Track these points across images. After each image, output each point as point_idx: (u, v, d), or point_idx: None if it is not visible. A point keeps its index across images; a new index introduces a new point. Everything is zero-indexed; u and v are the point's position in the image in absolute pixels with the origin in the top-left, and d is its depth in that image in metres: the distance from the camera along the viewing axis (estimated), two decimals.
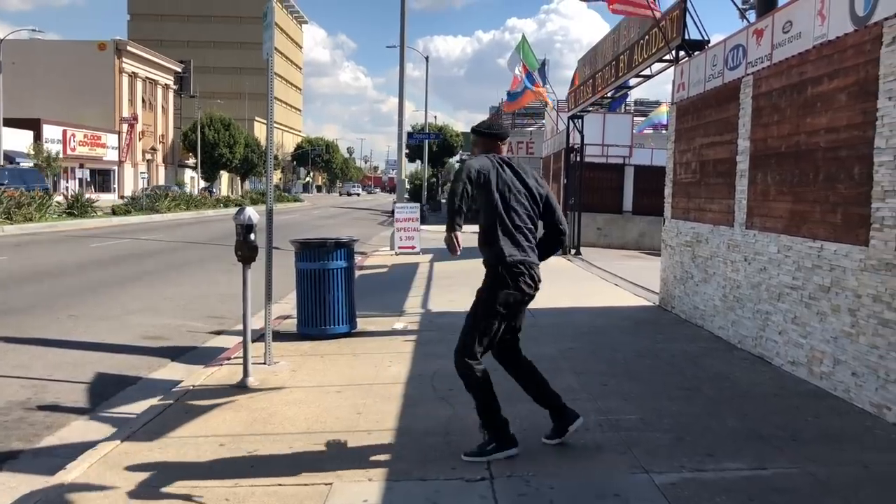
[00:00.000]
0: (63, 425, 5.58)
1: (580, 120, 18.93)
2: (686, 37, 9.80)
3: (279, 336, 7.81)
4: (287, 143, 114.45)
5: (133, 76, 60.33)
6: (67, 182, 47.82)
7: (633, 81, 13.99)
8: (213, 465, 4.37)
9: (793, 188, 6.54)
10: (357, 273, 10.46)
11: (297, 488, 4.02)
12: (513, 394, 5.79)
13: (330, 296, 7.84)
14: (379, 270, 15.67)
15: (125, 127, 57.84)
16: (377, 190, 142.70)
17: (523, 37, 21.34)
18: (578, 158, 19.16)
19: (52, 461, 4.69)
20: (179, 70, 66.91)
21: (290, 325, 8.46)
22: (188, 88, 66.49)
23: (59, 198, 34.39)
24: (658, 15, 10.58)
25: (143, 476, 4.20)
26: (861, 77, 5.51)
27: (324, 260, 7.83)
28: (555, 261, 17.75)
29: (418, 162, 59.80)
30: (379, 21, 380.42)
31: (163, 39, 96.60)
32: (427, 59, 49.14)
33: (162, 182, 61.69)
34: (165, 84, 66.38)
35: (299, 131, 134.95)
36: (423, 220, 24.62)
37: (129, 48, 59.26)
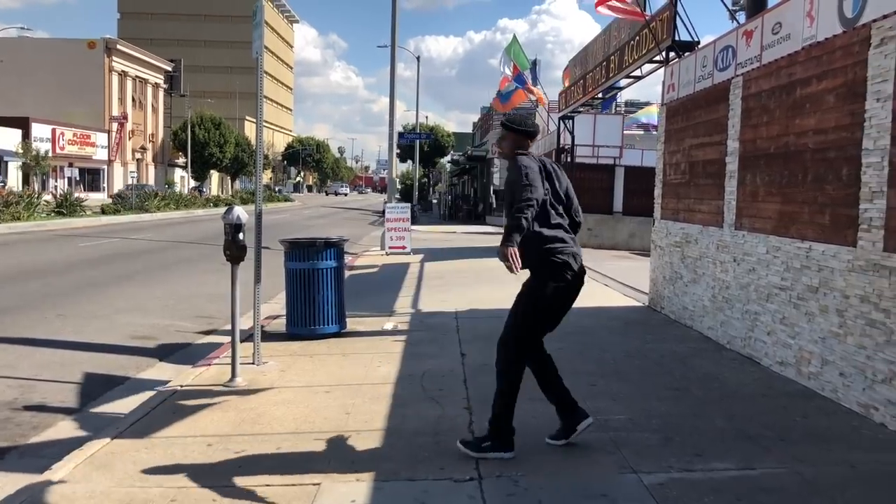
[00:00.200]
0: (50, 425, 5.55)
1: (571, 121, 18.97)
2: (676, 38, 9.84)
3: (268, 336, 7.78)
4: (277, 142, 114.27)
5: (123, 75, 60.07)
6: (56, 181, 47.56)
7: (623, 82, 14.03)
8: (201, 465, 4.34)
9: (781, 189, 6.56)
10: (347, 273, 10.44)
11: (285, 488, 4.00)
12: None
13: (319, 296, 7.82)
14: (369, 270, 15.65)
15: (115, 126, 57.58)
16: (368, 190, 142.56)
17: (514, 37, 21.36)
18: (569, 159, 19.20)
19: (39, 461, 4.65)
20: (170, 69, 66.65)
21: (280, 325, 8.43)
22: (178, 87, 66.23)
23: (47, 197, 34.23)
24: (646, 18, 10.61)
25: (129, 476, 4.17)
26: (849, 78, 5.54)
27: (313, 260, 7.81)
28: None
29: (409, 162, 59.81)
30: (370, 21, 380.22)
31: (153, 38, 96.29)
32: (418, 59, 49.19)
33: (151, 181, 61.43)
34: (155, 83, 66.13)
35: (290, 131, 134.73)
36: (414, 221, 24.62)
37: (118, 47, 58.99)
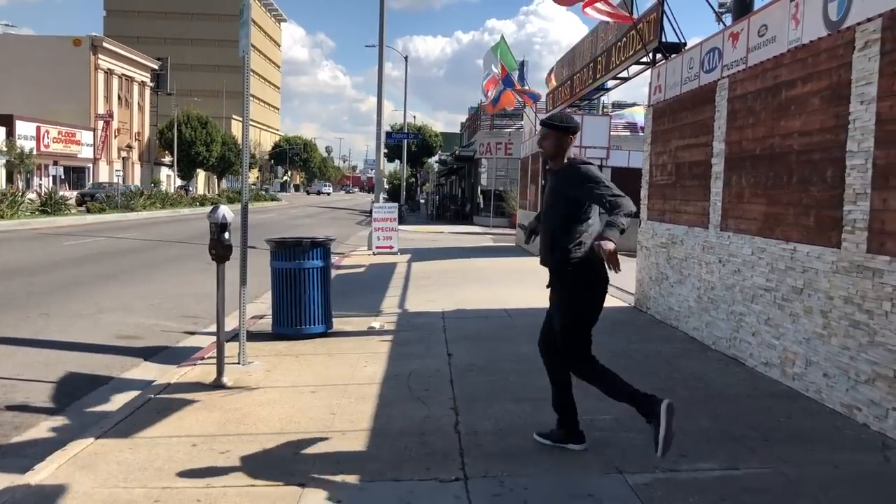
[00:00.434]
0: (32, 425, 5.50)
1: None
2: (663, 39, 9.87)
3: (254, 336, 7.75)
4: (265, 141, 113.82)
5: (109, 73, 59.65)
6: (41, 179, 47.18)
7: (610, 83, 14.06)
8: (185, 465, 4.32)
9: (767, 190, 6.59)
10: (334, 273, 10.42)
11: (270, 489, 3.99)
12: (490, 394, 5.81)
13: (306, 295, 7.80)
14: (356, 270, 15.62)
15: (100, 124, 57.15)
16: (356, 189, 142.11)
17: (502, 37, 21.35)
18: None
19: (21, 461, 4.61)
20: (156, 67, 66.23)
21: (266, 325, 8.40)
22: (165, 86, 65.81)
23: (32, 195, 33.95)
24: (633, 20, 10.64)
25: (113, 476, 4.14)
26: (834, 81, 5.57)
27: (299, 259, 7.79)
28: (532, 262, 17.79)
29: (397, 162, 59.73)
30: (358, 20, 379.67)
31: (139, 36, 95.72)
32: (406, 58, 49.19)
33: (137, 180, 61.05)
34: (142, 81, 65.69)
35: (277, 130, 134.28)
36: (402, 220, 24.59)
37: (104, 44, 58.55)
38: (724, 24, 9.72)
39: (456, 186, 56.22)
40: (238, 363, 6.63)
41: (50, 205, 30.44)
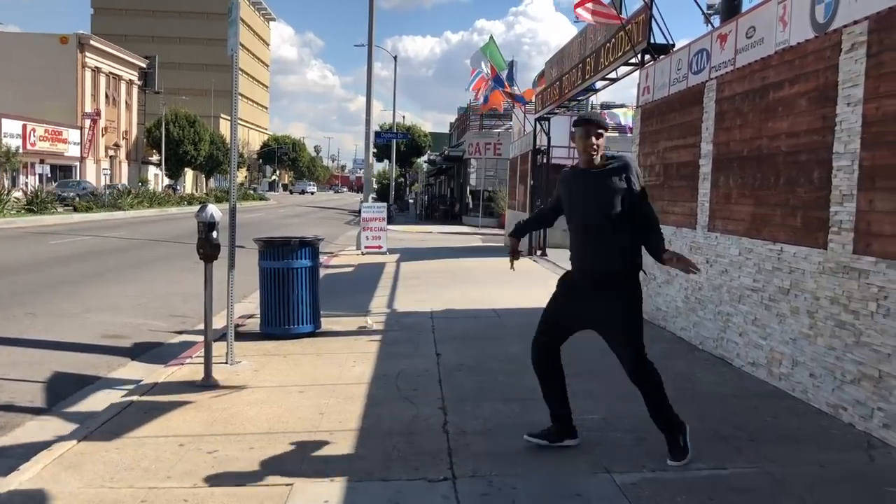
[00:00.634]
0: (17, 425, 5.46)
1: (547, 122, 19.02)
2: (651, 41, 9.88)
3: (242, 335, 7.73)
4: (253, 140, 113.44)
5: (96, 71, 59.28)
6: (27, 177, 46.84)
7: (599, 84, 14.07)
8: (173, 465, 4.30)
9: (754, 191, 6.63)
10: (322, 273, 10.39)
11: (258, 489, 3.98)
12: (479, 394, 5.81)
13: (294, 295, 7.78)
14: (345, 270, 15.60)
15: (87, 122, 56.79)
16: (344, 189, 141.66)
17: (491, 38, 21.35)
18: (545, 160, 19.24)
19: (6, 462, 4.57)
20: (144, 66, 65.84)
21: (254, 325, 8.38)
22: (153, 84, 65.42)
23: (17, 193, 33.71)
24: (622, 21, 10.67)
25: (99, 477, 4.12)
26: (821, 83, 5.61)
27: (288, 259, 7.77)
28: (520, 262, 17.79)
29: (386, 161, 59.66)
30: (347, 19, 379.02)
31: (127, 34, 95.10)
32: (395, 58, 49.13)
33: (125, 179, 60.71)
34: (130, 80, 65.31)
35: (265, 129, 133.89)
36: (391, 220, 24.57)
37: (92, 42, 58.18)
38: (713, 26, 9.76)
39: (445, 186, 56.23)
40: (226, 363, 6.61)
41: (36, 203, 30.24)
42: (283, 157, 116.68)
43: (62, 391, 6.33)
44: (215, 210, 6.15)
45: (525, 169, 20.63)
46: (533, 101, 20.51)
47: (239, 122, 6.79)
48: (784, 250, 6.02)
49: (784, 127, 6.13)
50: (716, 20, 11.56)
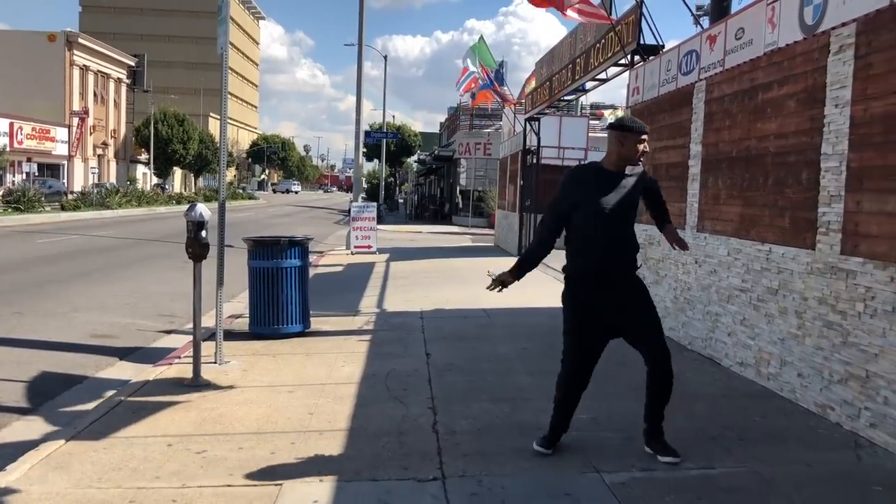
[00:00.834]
0: (4, 425, 5.42)
1: (537, 122, 19.05)
2: (641, 41, 9.90)
3: (231, 335, 7.70)
4: (242, 139, 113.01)
5: (84, 69, 58.94)
6: (14, 176, 46.51)
7: (588, 85, 14.09)
8: (161, 465, 4.28)
9: (743, 192, 6.65)
10: (312, 272, 10.38)
11: (247, 489, 3.96)
12: (468, 394, 5.81)
13: (283, 295, 7.76)
14: (334, 270, 15.57)
15: (75, 121, 56.46)
16: (334, 189, 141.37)
17: (481, 37, 21.38)
18: (535, 160, 19.26)
19: None
20: (133, 64, 65.51)
21: (243, 324, 8.35)
22: (142, 83, 65.09)
23: (3, 191, 33.45)
24: (612, 22, 10.69)
25: (87, 477, 4.09)
26: (809, 84, 5.64)
27: (277, 258, 7.75)
28: (510, 262, 17.82)
29: (376, 161, 59.63)
30: (337, 19, 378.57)
31: (116, 33, 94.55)
32: (385, 58, 49.11)
33: (113, 178, 60.39)
34: (118, 78, 64.97)
35: (255, 128, 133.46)
36: (380, 220, 24.54)
37: (80, 40, 57.83)
38: (702, 27, 9.80)
39: (435, 186, 56.22)
40: (215, 362, 6.58)
41: (23, 202, 30.03)
42: (272, 156, 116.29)
43: (50, 391, 6.29)
44: (204, 209, 6.12)
45: (515, 169, 20.64)
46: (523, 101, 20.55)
47: (228, 121, 6.77)
48: (772, 251, 6.04)
49: (773, 128, 6.15)
50: (705, 21, 11.61)
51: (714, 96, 7.32)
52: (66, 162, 55.72)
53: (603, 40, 11.64)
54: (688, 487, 3.99)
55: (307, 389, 5.91)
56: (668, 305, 8.21)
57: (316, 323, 8.38)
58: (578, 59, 13.49)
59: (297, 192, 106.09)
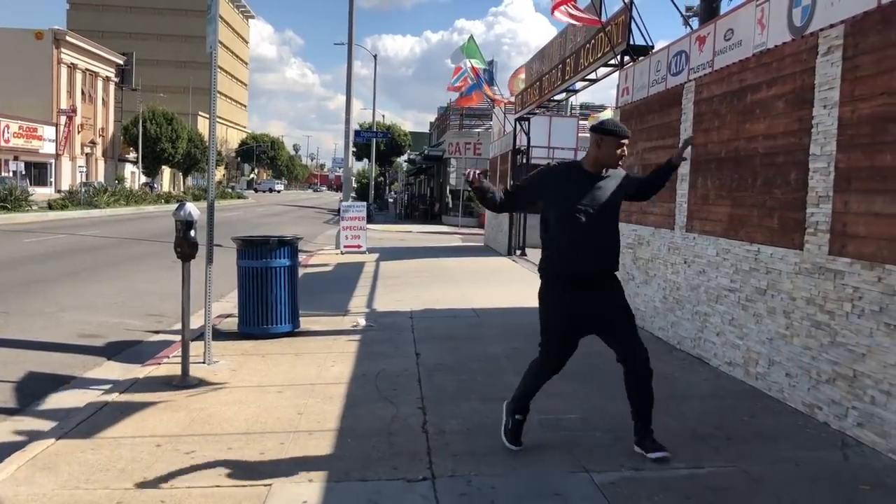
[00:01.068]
0: None
1: (527, 122, 19.08)
2: (631, 42, 9.94)
3: (220, 335, 7.67)
4: (231, 138, 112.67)
5: (72, 67, 58.64)
6: (0, 174, 46.22)
7: (578, 85, 14.13)
8: (149, 466, 4.26)
9: (731, 193, 6.68)
10: (301, 272, 10.35)
11: (235, 489, 3.95)
12: (458, 393, 5.81)
13: (272, 294, 7.73)
14: (324, 269, 15.54)
15: (63, 119, 56.16)
16: (323, 188, 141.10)
17: (471, 37, 21.39)
18: (525, 160, 19.29)
19: None
20: (121, 62, 65.18)
21: (232, 324, 8.32)
22: (130, 81, 64.74)
23: None
24: (601, 23, 10.72)
25: (74, 478, 4.07)
26: (798, 85, 5.66)
27: (266, 258, 7.73)
28: (500, 261, 17.85)
29: (366, 160, 59.53)
30: (327, 18, 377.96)
31: (104, 31, 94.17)
32: (375, 57, 49.02)
33: (101, 177, 60.08)
34: (106, 76, 64.67)
35: (244, 127, 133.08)
36: (370, 220, 24.52)
37: (68, 38, 57.53)
38: (692, 28, 9.84)
39: (425, 186, 56.19)
40: (203, 362, 6.56)
41: (9, 201, 29.81)
42: (261, 155, 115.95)
43: (36, 391, 6.24)
44: (193, 208, 6.10)
45: (505, 169, 20.66)
46: (513, 98, 20.57)
47: (217, 119, 6.75)
48: (761, 251, 6.07)
49: (761, 129, 6.18)
50: (695, 22, 11.65)
51: (703, 97, 7.34)
52: (53, 161, 55.43)
53: (593, 41, 11.67)
54: (677, 487, 4.01)
55: (296, 389, 5.89)
56: (658, 305, 8.23)
57: (305, 323, 8.36)
58: (568, 59, 13.52)
59: (279, 192, 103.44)
